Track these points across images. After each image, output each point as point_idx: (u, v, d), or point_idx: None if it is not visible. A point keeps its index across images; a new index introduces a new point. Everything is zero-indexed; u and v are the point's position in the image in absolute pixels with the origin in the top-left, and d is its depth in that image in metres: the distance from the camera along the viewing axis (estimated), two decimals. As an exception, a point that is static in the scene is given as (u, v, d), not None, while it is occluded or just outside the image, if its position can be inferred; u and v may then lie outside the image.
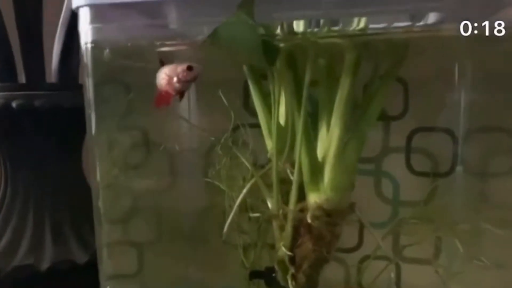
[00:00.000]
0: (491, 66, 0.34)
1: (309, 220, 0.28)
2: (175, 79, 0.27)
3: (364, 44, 0.28)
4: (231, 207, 0.34)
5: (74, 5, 0.27)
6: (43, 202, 0.45)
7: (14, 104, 0.43)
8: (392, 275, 0.34)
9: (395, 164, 0.37)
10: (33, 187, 0.45)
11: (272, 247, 0.36)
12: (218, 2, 0.24)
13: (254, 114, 0.38)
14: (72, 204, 0.46)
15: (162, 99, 0.27)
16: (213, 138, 0.34)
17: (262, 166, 0.34)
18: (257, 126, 0.37)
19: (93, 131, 0.32)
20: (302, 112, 0.27)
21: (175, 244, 0.39)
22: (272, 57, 0.24)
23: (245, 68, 0.31)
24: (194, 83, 0.28)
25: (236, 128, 0.36)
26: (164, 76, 0.27)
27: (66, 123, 0.46)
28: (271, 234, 0.35)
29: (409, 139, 0.36)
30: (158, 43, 0.27)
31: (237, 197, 0.34)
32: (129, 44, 0.28)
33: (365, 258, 0.38)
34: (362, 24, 0.28)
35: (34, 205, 0.44)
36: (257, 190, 0.32)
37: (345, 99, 0.28)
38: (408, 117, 0.36)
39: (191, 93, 0.38)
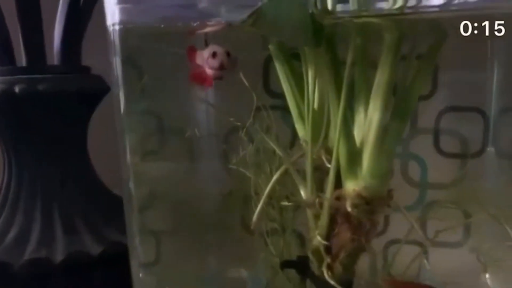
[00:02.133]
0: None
1: (348, 209, 0.26)
2: (206, 65, 0.25)
3: (405, 23, 0.26)
4: (257, 194, 0.33)
5: None
6: (51, 192, 0.43)
7: (16, 89, 0.40)
8: (425, 261, 0.33)
9: (423, 146, 0.36)
10: (39, 177, 0.43)
11: (299, 235, 0.35)
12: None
13: (274, 96, 0.36)
14: (81, 193, 0.44)
15: (198, 78, 0.26)
16: (239, 123, 0.32)
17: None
18: (278, 108, 0.35)
19: (122, 111, 0.30)
20: (342, 97, 0.25)
21: (195, 232, 0.38)
22: (320, 38, 0.22)
23: (271, 48, 0.30)
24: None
25: (255, 111, 0.34)
26: (201, 59, 0.26)
27: (71, 107, 0.43)
28: (298, 221, 0.34)
29: (438, 119, 0.35)
30: (194, 23, 0.25)
31: (264, 184, 0.32)
32: (162, 25, 0.26)
33: (392, 242, 0.37)
34: (399, 2, 0.26)
35: (42, 196, 0.42)
36: (285, 176, 0.31)
37: (385, 82, 0.26)
38: (437, 96, 0.35)
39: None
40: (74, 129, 0.46)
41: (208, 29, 0.27)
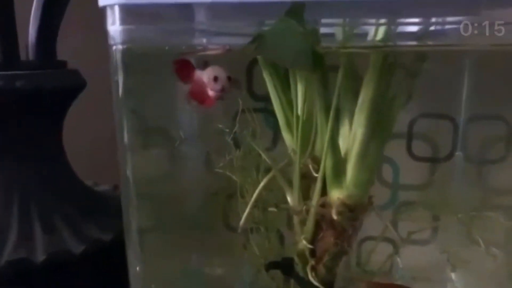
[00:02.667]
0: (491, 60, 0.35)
1: (334, 216, 0.28)
2: (207, 86, 0.26)
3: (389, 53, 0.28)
4: (243, 197, 0.34)
5: (101, 3, 0.24)
6: (28, 190, 0.42)
7: (-6, 86, 0.39)
8: (398, 258, 0.35)
9: (396, 150, 0.38)
10: (16, 175, 0.42)
11: (282, 237, 0.36)
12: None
13: (258, 99, 0.37)
14: (58, 190, 0.44)
15: (198, 97, 0.26)
16: (227, 130, 0.33)
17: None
18: (260, 110, 0.36)
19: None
20: (331, 113, 0.27)
21: (177, 232, 0.39)
22: (319, 64, 0.23)
23: (260, 60, 0.31)
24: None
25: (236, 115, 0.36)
26: (203, 80, 0.26)
27: (49, 103, 0.43)
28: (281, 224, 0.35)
29: (411, 125, 0.37)
30: (198, 46, 0.26)
31: (250, 187, 0.34)
32: (166, 47, 0.26)
33: (364, 240, 0.39)
34: (380, 35, 0.28)
35: (19, 194, 0.42)
36: (270, 180, 0.32)
37: (369, 99, 0.28)
38: (410, 104, 0.37)
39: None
40: (51, 125, 0.45)
41: (210, 52, 0.27)
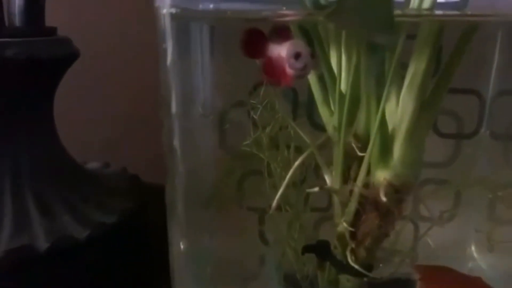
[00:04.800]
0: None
1: (383, 198, 0.27)
2: (286, 63, 0.22)
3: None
4: (270, 177, 0.32)
5: None
6: (21, 174, 0.38)
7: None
8: (427, 238, 0.34)
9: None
10: (6, 157, 0.38)
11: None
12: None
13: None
14: (53, 173, 0.40)
15: (275, 75, 0.23)
16: (253, 101, 0.30)
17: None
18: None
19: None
20: (386, 86, 0.25)
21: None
22: (396, 34, 0.21)
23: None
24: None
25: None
26: (281, 55, 0.23)
27: (41, 74, 0.39)
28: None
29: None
30: (265, 13, 0.23)
31: (280, 167, 0.32)
32: (228, 12, 0.23)
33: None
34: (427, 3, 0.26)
35: (10, 178, 0.38)
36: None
37: (422, 73, 0.26)
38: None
39: (206, 51, 0.33)
40: (43, 99, 0.41)
41: (288, 19, 0.24)
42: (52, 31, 0.41)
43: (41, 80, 0.39)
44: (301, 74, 0.22)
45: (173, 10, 0.23)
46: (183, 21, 0.25)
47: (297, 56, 0.22)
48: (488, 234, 0.32)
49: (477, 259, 0.38)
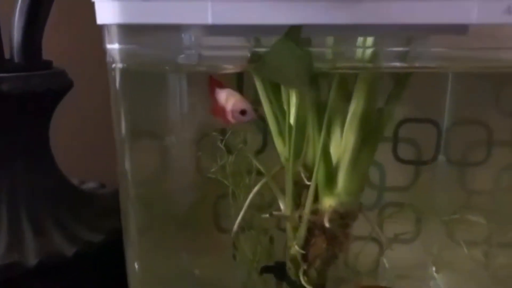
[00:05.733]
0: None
1: (326, 224, 0.29)
2: (230, 114, 0.26)
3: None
4: (235, 201, 0.35)
5: (99, 21, 0.24)
6: (17, 193, 0.42)
7: (-21, 89, 0.39)
8: (384, 259, 0.37)
9: (382, 153, 0.39)
10: (4, 177, 0.42)
11: (272, 240, 0.37)
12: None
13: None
14: (47, 191, 0.44)
15: (219, 117, 0.27)
16: (217, 134, 0.33)
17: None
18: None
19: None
20: (324, 124, 0.27)
21: (170, 232, 0.39)
22: (314, 83, 0.24)
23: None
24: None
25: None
26: (223, 102, 0.27)
27: (37, 105, 0.43)
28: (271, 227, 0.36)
29: (397, 129, 0.39)
30: (200, 68, 0.26)
31: (242, 193, 0.34)
32: (166, 67, 0.26)
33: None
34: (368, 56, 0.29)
35: (7, 197, 0.42)
36: (262, 187, 0.33)
37: (360, 111, 0.29)
38: (396, 109, 0.38)
39: (183, 85, 0.36)
40: (38, 126, 0.45)
41: (230, 71, 0.28)
42: (48, 64, 0.45)
43: (36, 110, 0.43)
44: (243, 121, 0.26)
45: (120, 65, 0.26)
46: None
47: (243, 112, 0.26)
48: (435, 255, 0.34)
49: (437, 278, 0.40)
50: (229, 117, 0.26)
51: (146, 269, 0.36)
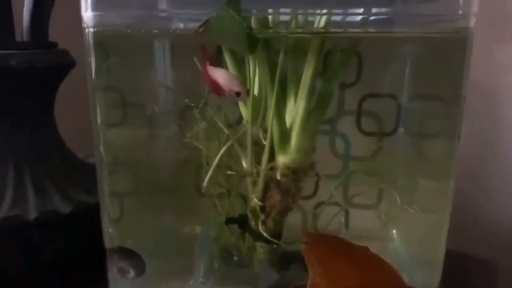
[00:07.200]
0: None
1: (278, 177, 0.33)
2: (226, 90, 0.31)
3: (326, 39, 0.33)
4: (208, 164, 0.39)
5: None
6: (22, 158, 0.47)
7: (-8, 64, 0.44)
8: (342, 219, 0.41)
9: (347, 125, 0.43)
10: (11, 144, 0.47)
11: (243, 197, 0.41)
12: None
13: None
14: (49, 158, 0.49)
15: (215, 90, 0.32)
16: (192, 104, 0.38)
17: (230, 125, 0.39)
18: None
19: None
20: (275, 88, 0.31)
21: (153, 194, 0.44)
22: (254, 47, 0.28)
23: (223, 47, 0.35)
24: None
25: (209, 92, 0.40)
26: (221, 80, 0.31)
27: (41, 81, 0.48)
28: (242, 186, 0.40)
29: (360, 103, 0.42)
30: (155, 30, 0.31)
31: (214, 155, 0.39)
32: (128, 31, 0.31)
33: (319, 204, 0.44)
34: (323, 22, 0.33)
35: (14, 161, 0.47)
36: (230, 149, 0.37)
37: (310, 76, 0.33)
38: (360, 85, 0.42)
39: (167, 59, 0.41)
40: (43, 100, 0.50)
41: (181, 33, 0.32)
42: (53, 45, 0.50)
43: (41, 84, 0.48)
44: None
45: (93, 29, 0.31)
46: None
47: (237, 94, 0.31)
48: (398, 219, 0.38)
49: (396, 240, 0.43)
50: (225, 94, 0.31)
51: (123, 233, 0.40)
